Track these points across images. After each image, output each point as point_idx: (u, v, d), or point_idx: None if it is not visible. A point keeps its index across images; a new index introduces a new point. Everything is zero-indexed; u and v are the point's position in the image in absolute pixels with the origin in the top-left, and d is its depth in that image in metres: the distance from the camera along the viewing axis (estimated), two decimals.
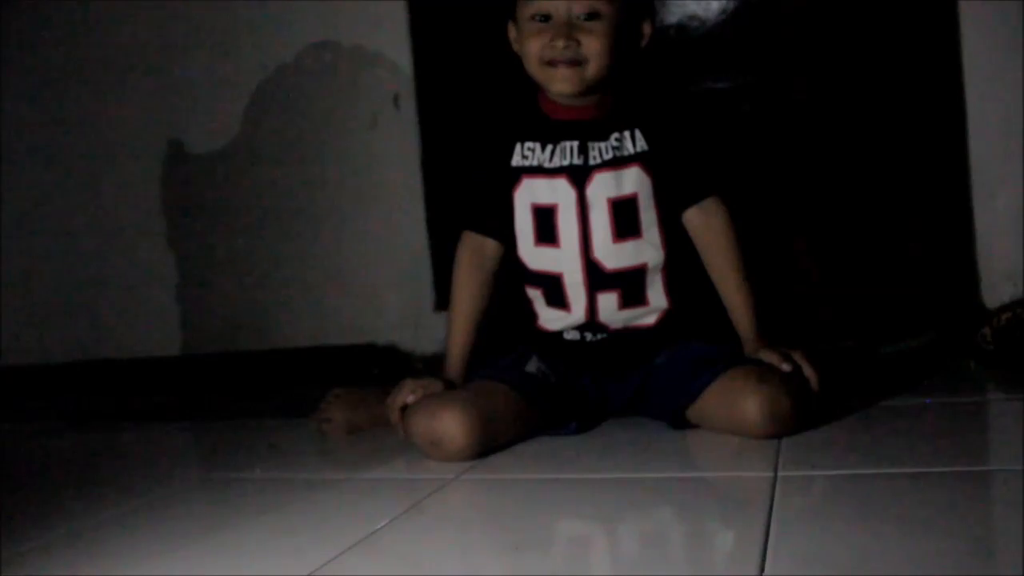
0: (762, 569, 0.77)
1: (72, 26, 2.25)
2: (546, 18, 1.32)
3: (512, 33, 1.40)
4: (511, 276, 1.44)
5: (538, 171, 1.38)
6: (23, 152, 2.33)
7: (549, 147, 1.38)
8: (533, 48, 1.33)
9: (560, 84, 1.33)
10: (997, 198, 1.69)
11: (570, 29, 1.31)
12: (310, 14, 2.07)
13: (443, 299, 1.99)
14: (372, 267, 2.09)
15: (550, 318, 1.42)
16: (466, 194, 1.46)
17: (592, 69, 1.32)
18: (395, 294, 2.07)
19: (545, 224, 1.38)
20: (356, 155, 2.08)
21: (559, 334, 1.41)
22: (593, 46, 1.31)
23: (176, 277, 2.25)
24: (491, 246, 1.43)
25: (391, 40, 2.02)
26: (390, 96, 2.04)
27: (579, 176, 1.36)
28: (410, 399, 1.33)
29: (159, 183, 2.24)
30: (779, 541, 0.83)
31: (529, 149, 1.39)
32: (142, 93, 2.22)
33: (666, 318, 1.40)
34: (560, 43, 1.31)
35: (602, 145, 1.36)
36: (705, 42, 1.85)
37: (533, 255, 1.40)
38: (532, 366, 1.38)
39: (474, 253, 1.43)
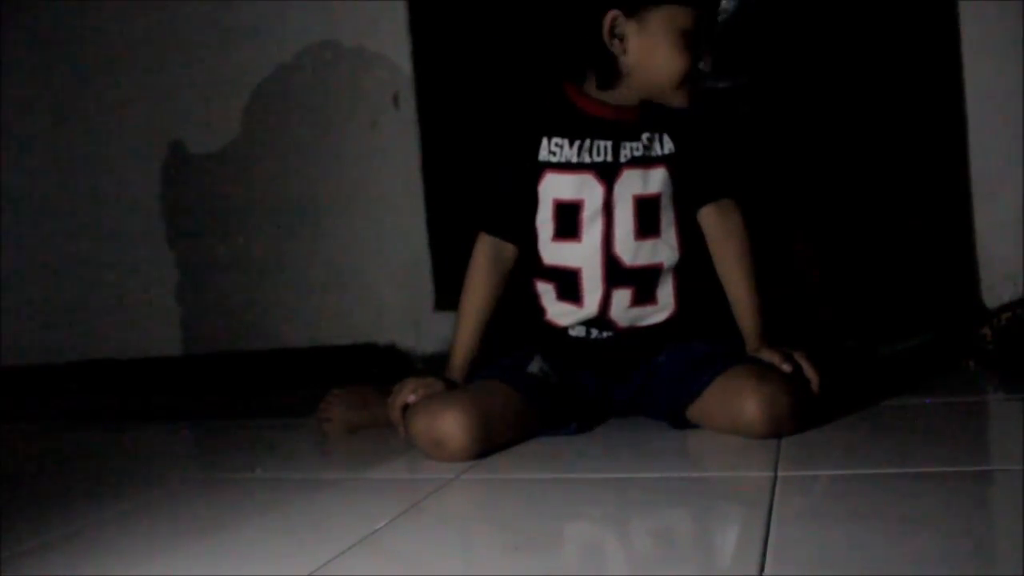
0: (762, 569, 0.77)
1: (72, 26, 2.25)
2: (693, 35, 1.29)
3: (611, 22, 1.29)
4: (519, 270, 1.43)
5: (564, 167, 1.37)
6: (23, 152, 2.33)
7: (577, 143, 1.36)
8: (682, 64, 1.29)
9: (683, 101, 1.32)
10: (997, 198, 1.69)
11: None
12: (310, 14, 2.07)
13: (443, 299, 1.99)
14: (372, 267, 2.09)
15: (560, 312, 1.42)
16: (486, 194, 1.43)
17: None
18: (395, 294, 2.07)
19: (567, 220, 1.38)
20: (356, 155, 2.08)
21: (565, 330, 1.41)
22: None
23: (176, 277, 2.25)
24: (509, 249, 1.41)
25: (391, 40, 2.02)
26: (390, 96, 2.04)
27: (608, 172, 1.36)
28: (411, 399, 1.33)
29: (159, 183, 2.24)
30: (779, 541, 0.83)
31: (557, 145, 1.37)
32: (142, 93, 2.22)
33: (671, 319, 1.41)
34: (707, 67, 1.30)
35: (633, 144, 1.36)
36: None
37: (550, 250, 1.40)
38: (534, 366, 1.38)
39: (491, 255, 1.41)
